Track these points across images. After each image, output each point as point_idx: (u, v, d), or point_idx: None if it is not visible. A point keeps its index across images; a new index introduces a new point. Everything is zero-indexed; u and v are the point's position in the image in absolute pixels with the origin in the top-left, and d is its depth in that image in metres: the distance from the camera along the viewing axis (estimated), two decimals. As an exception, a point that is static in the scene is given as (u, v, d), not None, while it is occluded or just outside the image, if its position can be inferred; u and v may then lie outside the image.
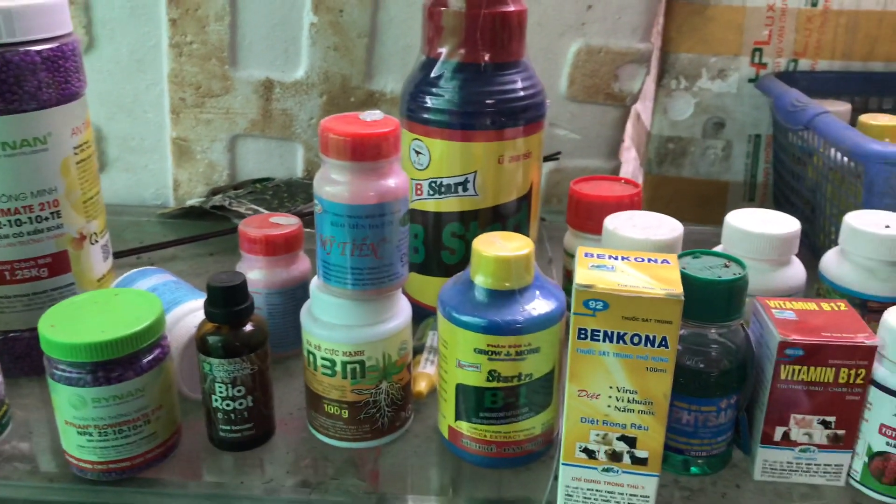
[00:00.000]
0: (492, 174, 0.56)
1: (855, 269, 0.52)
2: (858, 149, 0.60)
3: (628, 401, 0.41)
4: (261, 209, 0.76)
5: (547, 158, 0.89)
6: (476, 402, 0.46)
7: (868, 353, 0.43)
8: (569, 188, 0.62)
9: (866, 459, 0.45)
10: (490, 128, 0.55)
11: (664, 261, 0.43)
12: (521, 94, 0.55)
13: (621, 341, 0.40)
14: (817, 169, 0.71)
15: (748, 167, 0.92)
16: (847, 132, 0.62)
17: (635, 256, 0.43)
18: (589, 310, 0.40)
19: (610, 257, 0.43)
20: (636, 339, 0.40)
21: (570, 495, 0.44)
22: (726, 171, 0.92)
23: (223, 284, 0.46)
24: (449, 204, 0.57)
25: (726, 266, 0.45)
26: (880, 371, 0.44)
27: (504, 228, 0.57)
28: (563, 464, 0.44)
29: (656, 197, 0.95)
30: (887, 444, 0.44)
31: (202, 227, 0.79)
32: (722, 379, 0.45)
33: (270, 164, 0.88)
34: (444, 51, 0.54)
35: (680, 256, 0.47)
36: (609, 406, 0.42)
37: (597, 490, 0.44)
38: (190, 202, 0.84)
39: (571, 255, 0.62)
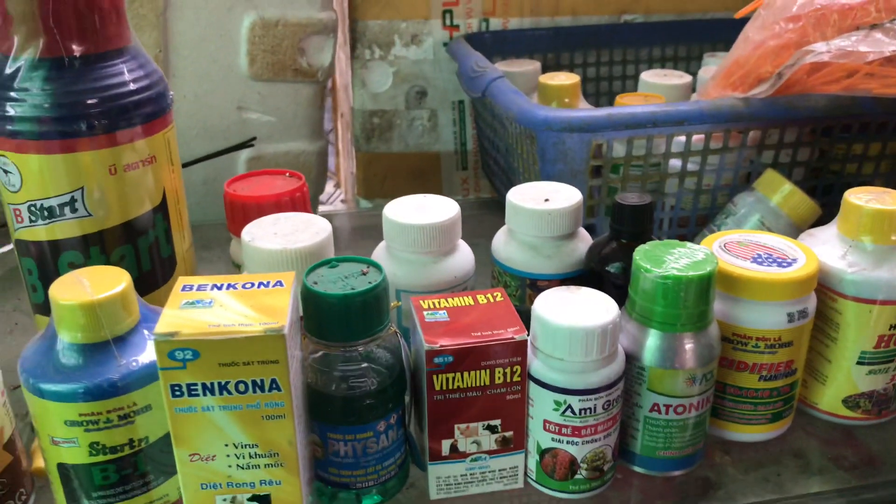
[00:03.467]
0: (105, 188, 0.46)
1: (520, 247, 0.49)
2: (525, 116, 0.57)
3: (250, 456, 0.35)
4: None
5: (240, 146, 0.81)
6: (86, 483, 0.37)
7: (519, 349, 0.40)
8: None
9: (538, 457, 0.42)
10: (92, 133, 0.45)
11: (278, 283, 0.36)
12: (131, 87, 0.46)
13: (225, 392, 0.33)
14: (508, 136, 0.68)
15: (457, 136, 0.89)
16: (516, 99, 0.59)
17: (244, 282, 0.36)
18: (177, 361, 0.33)
19: (213, 287, 0.36)
20: (241, 387, 0.33)
21: (210, 571, 0.37)
22: (436, 142, 0.89)
23: None
24: (63, 229, 0.47)
25: (364, 273, 0.40)
26: (535, 364, 0.41)
27: (136, 249, 0.48)
28: (193, 538, 0.36)
29: (370, 175, 0.89)
30: (552, 439, 0.41)
31: None
32: (374, 400, 0.40)
33: None
34: (16, 44, 0.44)
35: (315, 267, 0.40)
36: (230, 466, 0.35)
37: (239, 559, 0.37)
38: None
39: (239, 266, 0.54)
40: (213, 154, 0.79)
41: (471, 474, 0.42)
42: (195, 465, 0.35)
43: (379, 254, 0.49)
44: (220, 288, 0.35)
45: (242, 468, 0.35)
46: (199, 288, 0.36)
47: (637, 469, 0.44)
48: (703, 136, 0.57)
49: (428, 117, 0.87)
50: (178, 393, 0.33)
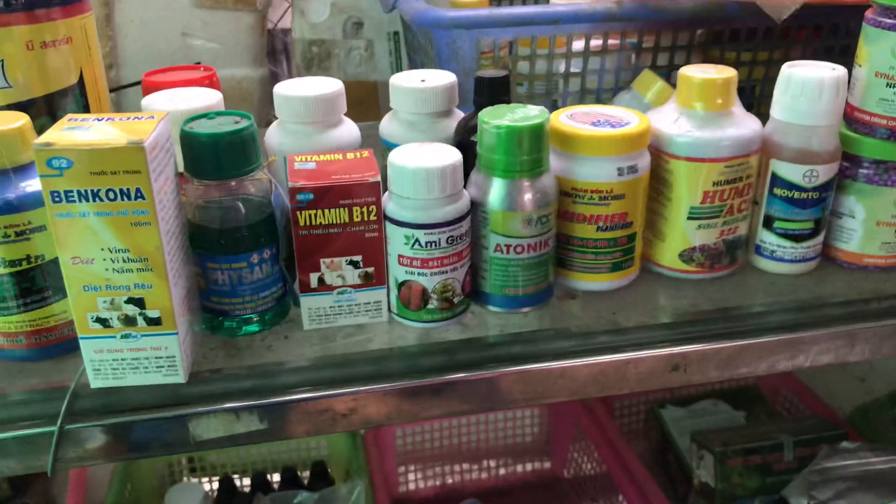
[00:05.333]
0: (23, 62, 0.52)
1: (401, 124, 0.55)
2: (419, 18, 0.62)
3: (123, 261, 0.41)
4: None
5: (184, 70, 0.86)
6: (-10, 293, 0.43)
7: (373, 189, 0.46)
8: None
9: (396, 291, 0.48)
10: (9, 10, 0.51)
11: (150, 117, 0.42)
12: (49, -26, 0.52)
13: (97, 199, 0.39)
14: (423, 52, 0.74)
15: (393, 65, 0.94)
16: (414, 4, 0.64)
17: (122, 117, 0.42)
18: (54, 169, 0.38)
19: (95, 119, 0.41)
20: (111, 195, 0.39)
21: (97, 370, 0.43)
22: (373, 71, 0.94)
23: None
24: (-13, 100, 0.53)
25: (236, 122, 0.46)
26: (389, 205, 0.47)
27: (55, 120, 0.54)
28: (81, 338, 0.42)
29: (311, 102, 0.95)
30: (406, 272, 0.47)
31: None
32: (247, 233, 0.46)
33: None
34: (-58, -71, 0.50)
35: (195, 118, 0.46)
36: (107, 269, 0.41)
37: (122, 359, 0.43)
38: None
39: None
40: (159, 76, 0.85)
41: (338, 306, 0.48)
42: (77, 268, 0.41)
43: (272, 127, 0.55)
44: (100, 120, 0.41)
45: (118, 272, 0.41)
46: (84, 120, 0.41)
47: (490, 308, 0.50)
48: (582, 38, 0.63)
49: (365, 47, 0.93)
50: (57, 199, 0.39)
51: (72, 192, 0.39)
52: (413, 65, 0.86)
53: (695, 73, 0.50)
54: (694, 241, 0.52)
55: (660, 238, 0.53)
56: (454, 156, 0.46)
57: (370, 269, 0.48)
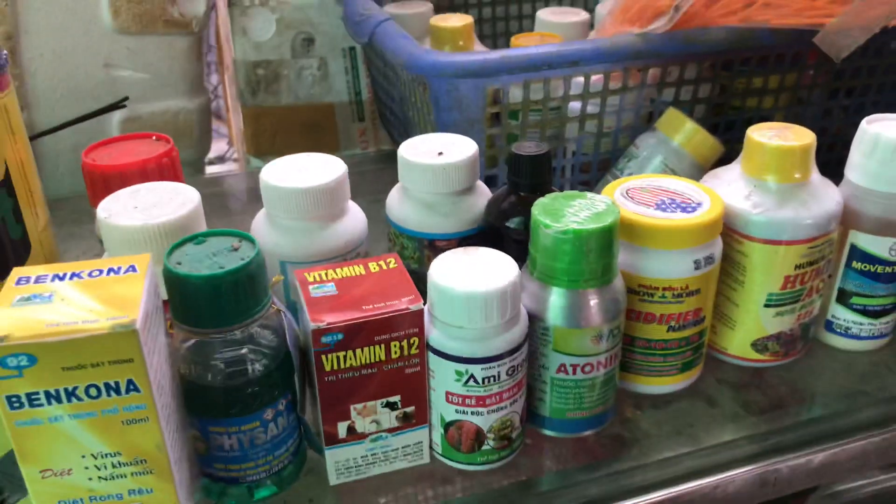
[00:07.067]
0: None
1: (415, 206, 0.46)
2: (415, 62, 0.53)
3: (113, 466, 0.31)
4: None
5: (110, 108, 0.73)
6: (-76, 508, 0.33)
7: (415, 320, 0.37)
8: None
9: (442, 431, 0.40)
10: None
11: (130, 268, 0.32)
12: (-48, 48, 0.40)
13: (73, 398, 0.29)
14: (401, 84, 0.64)
15: (350, 84, 0.84)
16: (405, 44, 0.54)
17: (90, 270, 0.31)
18: (11, 370, 0.28)
19: (54, 278, 0.31)
20: (93, 392, 0.29)
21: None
22: (328, 93, 0.83)
23: None
24: None
25: (234, 248, 0.36)
26: (434, 334, 0.38)
27: (-22, 236, 0.42)
28: (59, 561, 0.32)
29: (259, 132, 0.84)
30: (456, 411, 0.39)
31: None
32: (259, 388, 0.36)
33: None
34: None
35: (178, 245, 0.36)
36: (90, 479, 0.31)
37: (115, 577, 0.33)
38: None
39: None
40: (81, 118, 0.72)
41: (372, 455, 0.40)
42: (49, 481, 0.30)
43: (259, 222, 0.45)
44: (62, 278, 0.31)
45: (106, 479, 0.31)
46: (38, 280, 0.31)
47: (547, 432, 0.42)
48: (601, 76, 0.54)
49: (318, 66, 0.82)
50: (16, 405, 0.28)
51: (37, 394, 0.28)
52: (377, 87, 0.76)
53: (767, 138, 0.43)
54: (769, 329, 0.45)
55: (728, 325, 0.46)
56: (511, 271, 0.37)
57: (410, 409, 0.39)
